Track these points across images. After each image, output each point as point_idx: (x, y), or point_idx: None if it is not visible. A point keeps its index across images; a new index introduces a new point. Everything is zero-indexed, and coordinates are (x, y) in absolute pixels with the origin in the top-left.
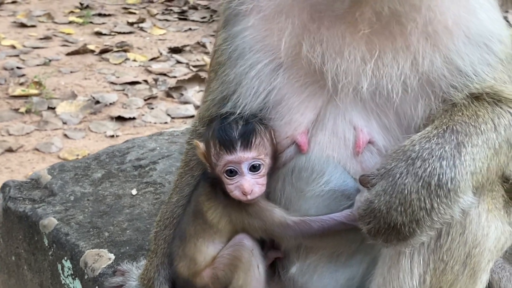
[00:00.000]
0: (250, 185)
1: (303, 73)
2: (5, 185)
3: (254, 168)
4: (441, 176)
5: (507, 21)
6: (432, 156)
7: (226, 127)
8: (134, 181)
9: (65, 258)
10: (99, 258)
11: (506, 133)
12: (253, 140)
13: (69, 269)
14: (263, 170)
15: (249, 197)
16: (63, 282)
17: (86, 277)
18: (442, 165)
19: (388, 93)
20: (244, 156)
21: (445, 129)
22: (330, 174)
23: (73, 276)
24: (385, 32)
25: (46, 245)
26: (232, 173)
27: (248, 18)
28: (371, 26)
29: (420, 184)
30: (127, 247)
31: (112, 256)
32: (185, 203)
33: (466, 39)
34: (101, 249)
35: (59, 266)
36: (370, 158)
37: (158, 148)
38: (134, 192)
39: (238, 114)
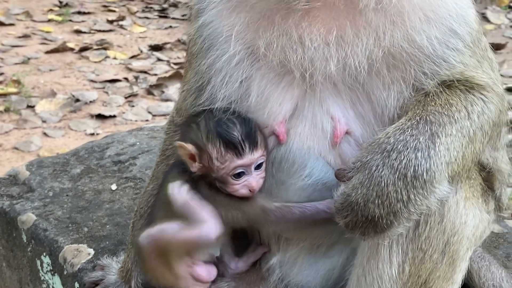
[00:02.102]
0: (257, 181)
1: (272, 65)
2: None
3: (258, 166)
4: (416, 168)
5: (486, 17)
6: (407, 148)
7: (225, 127)
8: (114, 176)
9: (44, 254)
10: (78, 254)
11: (480, 120)
12: (257, 138)
13: (48, 265)
14: (264, 165)
15: (255, 191)
16: (42, 278)
17: (65, 272)
18: (417, 156)
19: (356, 70)
20: (254, 158)
21: (418, 120)
22: (312, 167)
23: (52, 272)
24: (338, 10)
25: (25, 241)
26: (239, 175)
27: (211, 11)
28: (324, 5)
29: (396, 176)
30: (107, 242)
31: (92, 251)
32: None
33: (425, 18)
34: (80, 245)
35: (38, 262)
36: (348, 149)
37: (138, 143)
38: (113, 187)
39: (218, 108)
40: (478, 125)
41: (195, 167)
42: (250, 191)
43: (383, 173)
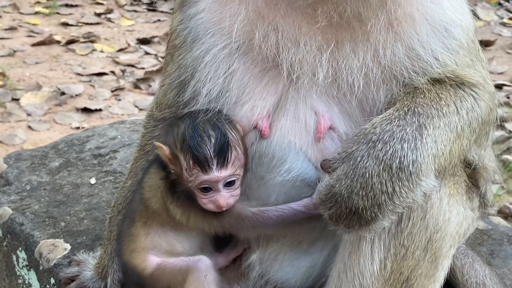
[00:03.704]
0: (225, 199)
1: (260, 59)
2: None
3: (229, 184)
4: (402, 159)
5: (475, 14)
6: (393, 139)
7: (198, 140)
8: (93, 170)
9: (20, 248)
10: (55, 249)
11: (469, 116)
12: (229, 157)
13: (24, 260)
14: (238, 183)
15: (223, 209)
16: (18, 274)
17: (41, 268)
18: (403, 147)
19: (350, 86)
20: (220, 176)
21: (406, 111)
22: (291, 162)
23: (28, 267)
24: (343, 24)
25: (1, 235)
26: (206, 189)
27: (199, 2)
28: (329, 20)
29: (381, 167)
30: (84, 237)
31: (68, 246)
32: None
33: (429, 27)
34: (56, 239)
35: (14, 257)
36: (331, 145)
37: (119, 136)
38: (93, 181)
39: (203, 110)
40: (466, 122)
41: (171, 169)
42: (218, 207)
43: (367, 164)
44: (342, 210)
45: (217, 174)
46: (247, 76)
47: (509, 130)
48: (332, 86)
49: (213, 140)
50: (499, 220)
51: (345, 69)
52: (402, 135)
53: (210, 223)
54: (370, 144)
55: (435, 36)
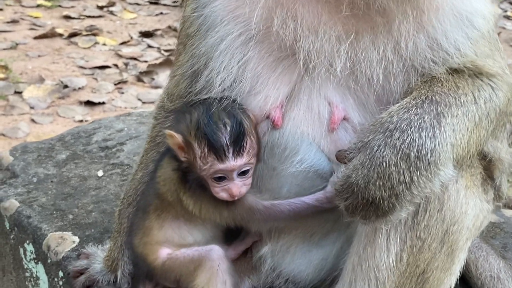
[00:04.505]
0: (238, 188)
1: (276, 47)
2: None
3: (243, 173)
4: (420, 148)
5: None
6: (411, 127)
7: (214, 128)
8: (100, 162)
9: (27, 241)
10: (63, 241)
11: (487, 106)
12: (245, 145)
13: (31, 253)
14: (251, 172)
15: (236, 198)
16: (25, 267)
17: (49, 261)
18: (421, 136)
19: (368, 79)
20: (236, 164)
21: (424, 99)
22: (304, 153)
23: (35, 260)
24: (365, 16)
25: (8, 228)
26: (220, 178)
27: None
28: (352, 10)
29: (398, 157)
30: (92, 230)
31: (77, 239)
32: (150, 179)
33: (453, 16)
34: (64, 232)
35: (21, 250)
36: (345, 136)
37: (126, 129)
38: (100, 173)
39: (217, 99)
40: (484, 112)
41: (182, 157)
42: (231, 196)
43: (385, 153)
44: (358, 200)
45: (233, 162)
46: (261, 65)
47: None
48: (349, 78)
49: (228, 128)
50: (511, 213)
51: (364, 62)
52: (420, 123)
53: (222, 213)
54: (387, 133)
55: (457, 25)
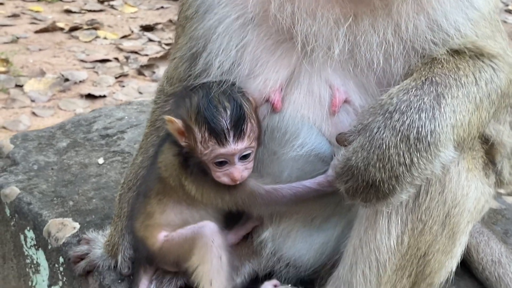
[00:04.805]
0: (240, 172)
1: (274, 31)
2: None
3: (244, 157)
4: (420, 129)
5: None
6: (411, 109)
7: (214, 112)
8: (101, 150)
9: (28, 228)
10: (63, 227)
11: (488, 87)
12: (246, 129)
13: (32, 239)
14: (252, 156)
15: (238, 182)
16: (26, 254)
17: (49, 247)
18: (421, 117)
19: (368, 62)
20: (237, 148)
21: (423, 80)
22: (304, 136)
23: (36, 247)
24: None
25: (8, 215)
26: (221, 163)
27: None
28: None
29: (398, 138)
30: (93, 216)
31: (77, 225)
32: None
33: None
34: (65, 218)
35: (22, 237)
36: (346, 119)
37: (126, 117)
38: (101, 161)
39: (216, 82)
40: (485, 93)
41: (183, 142)
42: (233, 180)
43: (384, 135)
44: (358, 183)
45: (234, 146)
46: (260, 48)
47: None
48: (349, 61)
49: (229, 112)
50: None
51: (363, 45)
52: (419, 104)
53: (223, 198)
54: (386, 115)
55: (457, 6)
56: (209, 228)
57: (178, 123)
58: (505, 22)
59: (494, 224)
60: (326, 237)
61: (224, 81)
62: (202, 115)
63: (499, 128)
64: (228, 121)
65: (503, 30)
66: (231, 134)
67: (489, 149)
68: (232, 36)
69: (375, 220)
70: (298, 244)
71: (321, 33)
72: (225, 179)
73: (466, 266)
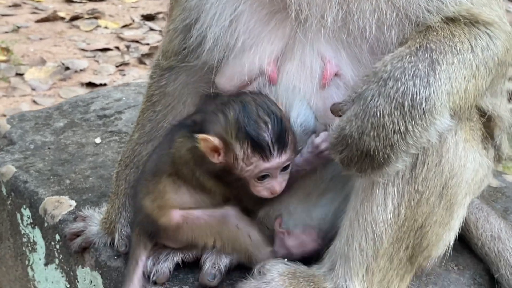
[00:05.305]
0: (280, 185)
1: (266, 1)
2: None
3: (284, 168)
4: (414, 96)
5: None
6: (405, 75)
7: (256, 128)
8: (98, 130)
9: (24, 206)
10: (59, 205)
11: (484, 55)
12: (287, 141)
13: (28, 217)
14: (290, 167)
15: (277, 194)
16: (22, 232)
17: (46, 225)
18: (415, 84)
19: (361, 30)
20: (281, 162)
21: (418, 47)
22: (298, 108)
23: (32, 225)
24: None
25: (4, 194)
26: (264, 177)
27: None
28: None
29: (393, 106)
30: (90, 194)
31: (73, 203)
32: (148, 140)
33: None
34: (61, 196)
35: (18, 216)
36: (336, 94)
37: (124, 98)
38: (98, 140)
39: (246, 93)
40: (481, 60)
41: (217, 160)
42: (272, 193)
43: (378, 103)
44: (353, 153)
45: (278, 160)
46: (254, 19)
47: None
48: (342, 30)
49: (270, 126)
50: None
51: (356, 13)
52: (414, 71)
53: (238, 195)
54: (380, 83)
55: None
56: (232, 215)
57: (214, 141)
58: (507, 11)
59: (494, 202)
60: (323, 213)
61: (254, 92)
62: (244, 132)
63: (495, 102)
64: (271, 136)
65: None
66: (275, 147)
67: (487, 122)
68: (226, 6)
69: (371, 192)
70: (295, 219)
71: (314, 2)
72: (265, 193)
73: (465, 242)
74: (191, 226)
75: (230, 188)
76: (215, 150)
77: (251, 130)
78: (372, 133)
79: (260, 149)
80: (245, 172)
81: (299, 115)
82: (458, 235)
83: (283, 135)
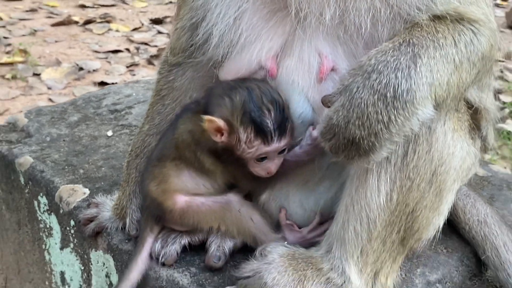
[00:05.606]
0: (276, 166)
1: (268, 0)
2: None
3: (281, 152)
4: (396, 87)
5: None
6: (387, 68)
7: (261, 114)
8: (110, 123)
9: (41, 194)
10: (74, 193)
11: (467, 49)
12: (288, 128)
13: (45, 205)
14: (286, 150)
15: (272, 174)
16: (39, 219)
17: (61, 211)
18: (397, 76)
19: (357, 27)
20: (280, 146)
21: (401, 42)
22: (296, 101)
23: (49, 212)
24: None
25: (22, 183)
26: (262, 159)
27: None
28: None
29: (376, 97)
30: (102, 183)
31: (87, 191)
32: (157, 131)
33: None
34: (76, 185)
35: (35, 203)
36: (332, 87)
37: (134, 94)
38: (109, 133)
39: (253, 80)
40: (465, 55)
41: (219, 139)
42: (268, 173)
43: (363, 94)
44: (340, 141)
45: (277, 145)
46: (256, 17)
47: (503, 102)
48: (339, 27)
49: (273, 113)
50: (498, 167)
51: (353, 11)
52: (396, 64)
53: (237, 176)
54: (365, 75)
55: None
56: (234, 201)
57: (219, 122)
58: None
59: (481, 189)
60: (320, 199)
61: (258, 79)
62: (249, 117)
63: (482, 95)
64: (274, 122)
65: None
66: (276, 133)
67: (474, 114)
68: (230, 5)
69: (365, 179)
70: (294, 206)
71: (313, 0)
72: (262, 173)
73: (454, 226)
74: (196, 212)
75: (228, 167)
76: (219, 130)
77: (255, 116)
78: (357, 122)
79: (262, 134)
80: (247, 153)
81: (298, 107)
82: (447, 220)
83: (283, 122)
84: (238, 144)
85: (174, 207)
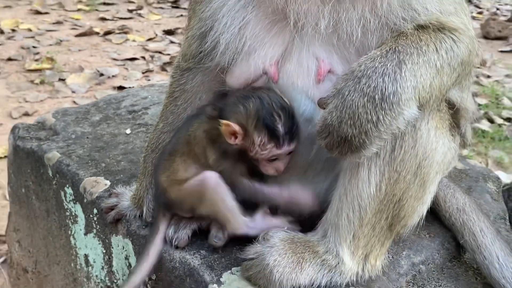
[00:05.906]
0: (285, 165)
1: (270, 11)
2: (14, 127)
3: (289, 153)
4: (384, 90)
5: None
6: (376, 73)
7: (273, 120)
8: (128, 123)
9: (67, 185)
10: (96, 184)
11: (448, 55)
12: (297, 132)
13: (70, 195)
14: (293, 151)
15: (281, 173)
16: (66, 207)
17: (85, 200)
18: (384, 80)
19: (349, 36)
20: (290, 149)
21: (388, 49)
22: (297, 101)
23: (74, 201)
24: None
25: (51, 175)
26: (273, 159)
27: None
28: None
29: (365, 99)
30: (121, 175)
31: (108, 182)
32: (170, 129)
33: None
34: (98, 177)
35: (62, 193)
36: (329, 87)
37: (149, 96)
38: (128, 131)
39: (261, 89)
40: (445, 60)
41: (233, 142)
42: (276, 172)
43: (354, 97)
44: (334, 138)
45: (287, 148)
46: (259, 27)
47: (479, 104)
48: (333, 36)
49: (283, 120)
50: (475, 162)
51: (345, 21)
52: (383, 70)
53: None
54: (355, 80)
55: None
56: (210, 178)
57: (235, 127)
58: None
59: (460, 181)
60: (317, 189)
61: (266, 88)
62: (262, 123)
63: (462, 96)
64: (284, 128)
65: (466, 8)
66: (287, 137)
67: (454, 114)
68: (235, 16)
69: (357, 171)
70: None
71: (310, 11)
72: (272, 172)
73: (436, 214)
74: (184, 194)
75: (228, 166)
76: (234, 134)
77: (269, 122)
78: (349, 122)
79: (275, 138)
80: (260, 155)
81: (301, 106)
82: (430, 208)
83: (293, 127)
84: (252, 147)
85: (178, 194)
